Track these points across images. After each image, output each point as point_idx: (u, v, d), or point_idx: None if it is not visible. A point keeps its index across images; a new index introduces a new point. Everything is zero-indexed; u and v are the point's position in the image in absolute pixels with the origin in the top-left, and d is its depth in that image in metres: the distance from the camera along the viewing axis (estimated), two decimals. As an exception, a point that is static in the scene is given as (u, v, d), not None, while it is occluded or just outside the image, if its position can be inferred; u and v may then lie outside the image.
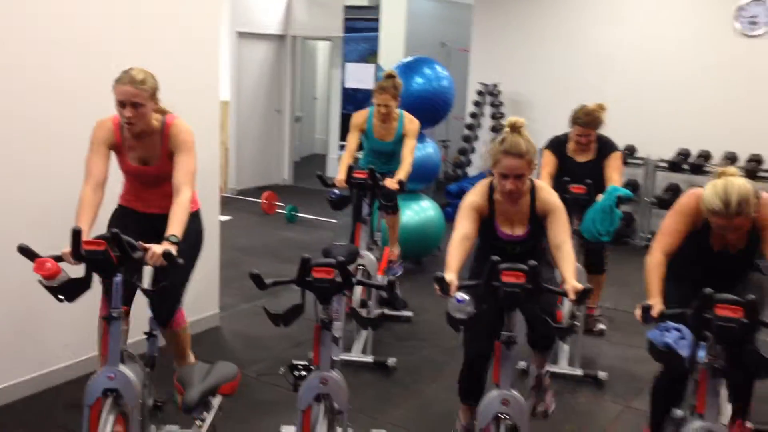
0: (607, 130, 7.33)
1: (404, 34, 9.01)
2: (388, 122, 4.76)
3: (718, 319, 2.29)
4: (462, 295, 2.49)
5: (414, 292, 5.46)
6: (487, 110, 8.53)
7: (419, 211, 6.21)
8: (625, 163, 7.42)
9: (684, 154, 7.30)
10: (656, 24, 7.53)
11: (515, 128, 2.80)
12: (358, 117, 4.85)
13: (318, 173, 4.59)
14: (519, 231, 2.97)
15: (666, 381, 2.86)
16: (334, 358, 2.72)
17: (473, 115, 8.61)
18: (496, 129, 8.41)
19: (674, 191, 7.32)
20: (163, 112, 3.14)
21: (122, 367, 2.47)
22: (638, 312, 2.52)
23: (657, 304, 2.55)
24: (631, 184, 7.57)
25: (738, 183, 2.58)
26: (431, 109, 6.08)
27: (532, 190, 2.95)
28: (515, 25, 8.40)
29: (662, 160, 7.42)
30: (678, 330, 2.41)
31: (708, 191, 2.63)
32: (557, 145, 4.64)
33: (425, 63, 6.27)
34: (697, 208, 2.76)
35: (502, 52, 8.52)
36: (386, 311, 4.96)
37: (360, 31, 9.89)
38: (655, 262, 2.78)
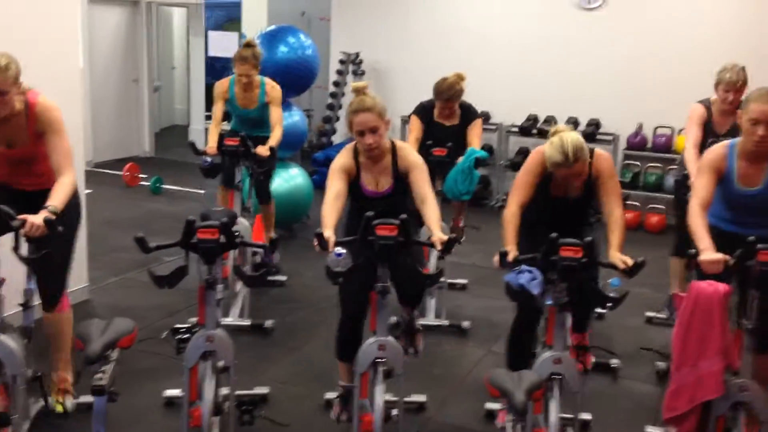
0: (465, 97, 7.71)
1: (266, 2, 8.96)
2: (249, 90, 4.84)
3: (562, 260, 2.62)
4: (340, 250, 2.67)
5: (286, 258, 5.61)
6: (350, 79, 8.71)
7: (288, 179, 6.30)
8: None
9: (533, 120, 7.85)
10: (505, -3, 8.02)
11: (359, 91, 3.03)
12: (220, 86, 4.91)
13: (190, 141, 4.61)
14: (383, 188, 3.18)
15: (521, 324, 3.21)
16: (218, 319, 2.83)
17: (336, 84, 8.76)
18: (359, 97, 8.62)
19: (525, 154, 7.84)
20: (23, 92, 2.99)
21: (3, 337, 2.46)
22: (496, 258, 2.81)
23: (512, 251, 2.86)
24: (487, 148, 8.06)
25: (570, 135, 2.97)
26: (296, 77, 6.16)
27: (394, 149, 3.17)
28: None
29: (513, 126, 7.95)
30: (530, 272, 2.72)
31: (548, 149, 2.98)
32: (423, 111, 4.88)
33: (289, 32, 6.32)
34: (540, 163, 3.10)
35: (362, 21, 8.69)
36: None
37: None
38: (510, 213, 3.10)
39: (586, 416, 3.41)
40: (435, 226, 2.92)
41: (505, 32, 8.01)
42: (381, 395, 2.81)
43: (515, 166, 7.67)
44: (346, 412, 3.13)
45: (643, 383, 3.94)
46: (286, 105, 6.28)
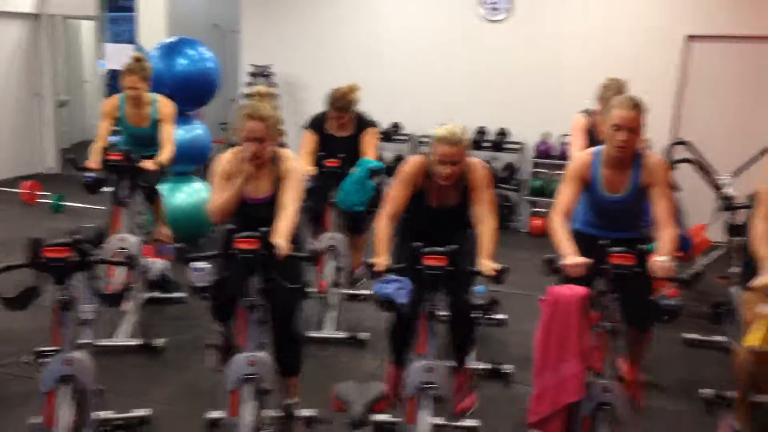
0: (375, 108, 7.75)
1: (165, 14, 8.78)
2: (140, 107, 4.71)
3: (426, 268, 2.62)
4: (199, 265, 2.60)
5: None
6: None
7: (192, 193, 6.19)
8: (391, 140, 7.94)
9: (443, 130, 7.92)
10: (414, 10, 8.05)
11: (262, 97, 2.98)
12: (109, 104, 4.78)
13: (69, 156, 4.45)
14: (262, 194, 3.13)
15: (396, 328, 3.20)
16: (82, 340, 2.71)
17: (247, 97, 8.64)
18: (270, 110, 8.54)
19: (436, 164, 7.93)
20: None
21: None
22: (363, 269, 2.79)
23: (382, 261, 2.84)
24: (399, 159, 8.10)
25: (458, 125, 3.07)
26: (196, 90, 6.06)
27: (278, 156, 3.13)
28: (285, 6, 8.54)
29: (425, 136, 7.99)
30: (398, 281, 2.71)
31: (437, 131, 3.07)
32: (316, 123, 4.86)
33: (188, 44, 6.21)
34: (416, 172, 3.10)
35: (273, 33, 8.63)
36: (157, 294, 4.95)
37: (125, 11, 9.49)
38: (381, 226, 3.10)
39: (473, 423, 3.43)
40: (281, 236, 2.84)
41: (415, 44, 8.07)
42: (250, 413, 2.73)
43: None
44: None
45: (534, 388, 3.98)
46: (186, 118, 6.19)
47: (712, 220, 5.08)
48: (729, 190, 4.70)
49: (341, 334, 4.56)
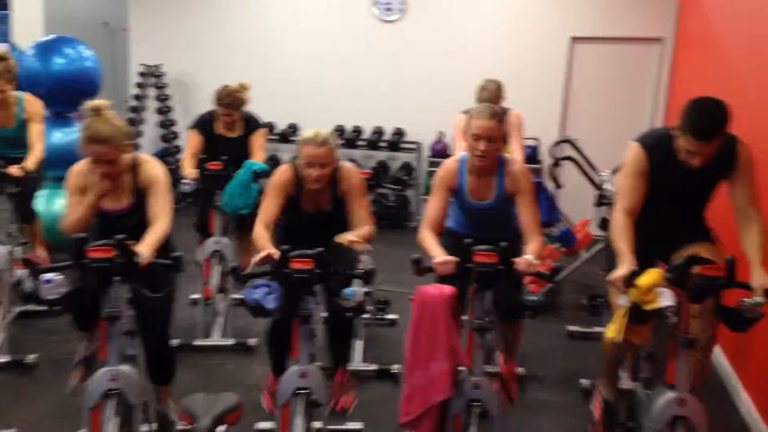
0: (272, 108, 7.65)
1: (42, 11, 8.37)
2: (5, 108, 4.46)
3: (294, 272, 2.57)
4: (48, 276, 2.46)
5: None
6: (152, 93, 8.35)
7: (72, 199, 5.91)
8: (289, 141, 7.84)
9: (340, 130, 7.90)
10: (309, 10, 7.98)
11: (96, 111, 2.81)
12: None
13: None
14: (122, 204, 3.00)
15: (271, 334, 3.14)
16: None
17: (137, 98, 8.36)
18: (162, 111, 8.28)
19: (334, 165, 7.89)
20: None
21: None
22: (233, 276, 2.72)
23: (249, 268, 2.78)
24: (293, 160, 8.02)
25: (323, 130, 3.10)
26: (75, 90, 5.77)
27: (136, 164, 2.99)
28: (175, 3, 8.30)
29: (321, 136, 7.93)
30: (267, 286, 2.65)
31: (304, 134, 3.08)
32: (203, 123, 4.73)
33: (66, 42, 5.92)
34: (285, 180, 3.07)
35: (163, 31, 8.37)
36: (31, 307, 4.69)
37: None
38: (256, 234, 3.04)
39: (356, 425, 3.41)
40: (147, 245, 2.73)
41: (310, 44, 8.00)
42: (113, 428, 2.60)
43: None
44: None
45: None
46: (65, 120, 5.91)
47: (594, 216, 5.25)
48: (608, 186, 4.86)
49: (229, 341, 4.45)
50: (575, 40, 7.34)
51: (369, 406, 3.70)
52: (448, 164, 3.16)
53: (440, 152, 7.68)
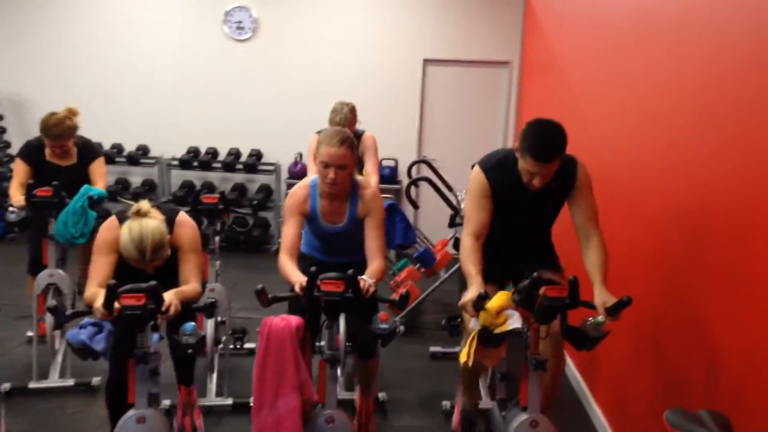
0: (119, 130, 7.25)
1: None
2: None
3: (125, 308, 2.36)
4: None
5: None
6: (-19, 112, 7.67)
7: None
8: (138, 163, 7.44)
9: (194, 152, 7.59)
10: (155, 27, 7.62)
11: None
12: None
13: None
14: None
15: (110, 385, 2.86)
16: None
17: None
18: (-6, 133, 7.62)
19: (189, 187, 7.57)
20: None
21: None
22: (53, 316, 2.46)
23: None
24: (148, 184, 7.61)
25: (150, 226, 2.67)
26: None
27: None
28: (5, 17, 7.67)
29: (174, 159, 7.60)
30: (95, 325, 2.41)
31: (125, 236, 2.68)
32: (31, 151, 4.34)
33: None
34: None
35: (-5, 48, 7.72)
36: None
37: None
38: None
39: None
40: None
41: (161, 61, 7.65)
42: None
43: (179, 200, 7.34)
44: None
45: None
46: None
47: (452, 236, 5.31)
48: (463, 206, 4.93)
49: (69, 382, 4.07)
50: (428, 62, 7.49)
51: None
52: (298, 190, 3.05)
53: (299, 174, 7.55)
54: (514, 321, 2.39)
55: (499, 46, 7.37)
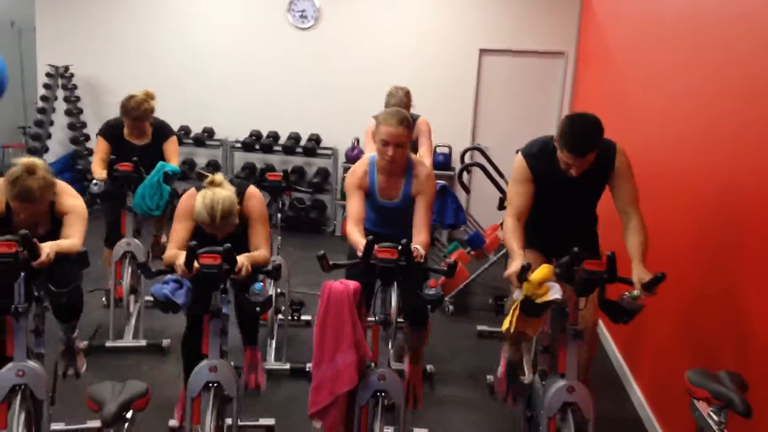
0: (186, 114, 7.60)
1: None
2: None
3: (203, 267, 2.64)
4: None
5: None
6: (60, 94, 8.14)
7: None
8: (204, 145, 7.81)
9: (256, 136, 7.92)
10: (221, 17, 7.96)
11: (29, 171, 2.86)
12: None
13: None
14: (41, 230, 3.05)
15: (186, 334, 3.18)
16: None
17: (44, 99, 8.12)
18: (71, 113, 8.09)
19: (250, 169, 7.91)
20: None
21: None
22: (142, 272, 2.76)
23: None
24: (212, 164, 7.98)
25: (221, 194, 2.93)
26: (-21, 90, 5.61)
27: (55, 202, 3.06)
28: (85, 3, 8.12)
29: (237, 141, 7.95)
30: (177, 281, 2.69)
31: (199, 203, 2.95)
32: (110, 130, 4.66)
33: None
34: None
35: (72, 32, 8.17)
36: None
37: None
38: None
39: (268, 421, 3.48)
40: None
41: (226, 48, 7.99)
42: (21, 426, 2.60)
43: (200, 175, 7.63)
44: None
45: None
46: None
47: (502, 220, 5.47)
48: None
49: (141, 342, 4.43)
50: (484, 52, 7.63)
51: (282, 403, 3.78)
52: (358, 167, 3.29)
53: (355, 158, 7.80)
54: (555, 292, 2.58)
55: (555, 37, 7.47)
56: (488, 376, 4.17)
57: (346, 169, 7.88)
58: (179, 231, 3.08)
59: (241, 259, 2.76)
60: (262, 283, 2.77)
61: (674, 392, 3.36)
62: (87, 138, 8.19)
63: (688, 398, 2.22)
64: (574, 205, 3.11)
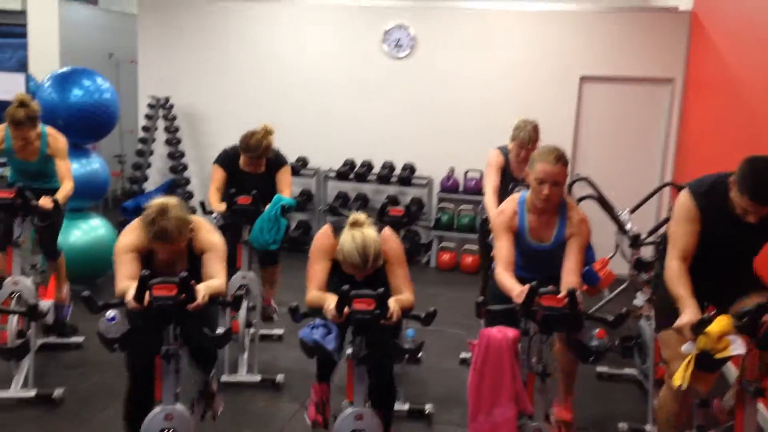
0: (281, 142, 7.64)
1: (58, 42, 8.36)
2: (29, 142, 4.42)
3: (355, 313, 2.54)
4: (113, 314, 2.42)
5: (84, 316, 5.12)
6: (161, 124, 8.33)
7: (89, 231, 5.87)
8: (298, 174, 7.83)
9: (350, 165, 7.90)
10: (317, 46, 8.00)
11: (162, 212, 2.85)
12: None
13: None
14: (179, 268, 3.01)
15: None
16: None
17: (146, 129, 8.32)
18: (171, 142, 8.26)
19: (343, 198, 7.89)
20: None
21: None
22: (291, 315, 2.69)
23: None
24: (305, 193, 8.00)
25: (369, 235, 2.86)
26: (93, 122, 5.75)
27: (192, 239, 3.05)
28: (184, 36, 8.31)
29: (331, 170, 7.95)
30: (325, 327, 2.61)
31: (347, 243, 2.86)
32: (227, 158, 4.65)
33: (84, 74, 5.89)
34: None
35: (172, 64, 8.36)
36: (52, 339, 4.72)
37: (10, 37, 8.95)
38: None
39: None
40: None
41: (320, 78, 8.02)
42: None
43: (334, 210, 7.66)
44: None
45: (456, 427, 3.91)
46: (83, 152, 5.88)
47: (617, 254, 5.23)
48: (630, 226, 4.88)
49: (256, 377, 4.39)
50: (584, 79, 7.43)
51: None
52: (507, 206, 3.16)
53: (451, 188, 7.71)
54: (737, 347, 2.38)
55: (661, 62, 7.20)
56: (619, 424, 3.92)
57: (440, 199, 7.78)
58: (318, 271, 3.00)
59: (392, 303, 2.67)
60: (413, 330, 2.67)
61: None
62: (185, 167, 8.33)
63: None
64: (742, 250, 2.89)
